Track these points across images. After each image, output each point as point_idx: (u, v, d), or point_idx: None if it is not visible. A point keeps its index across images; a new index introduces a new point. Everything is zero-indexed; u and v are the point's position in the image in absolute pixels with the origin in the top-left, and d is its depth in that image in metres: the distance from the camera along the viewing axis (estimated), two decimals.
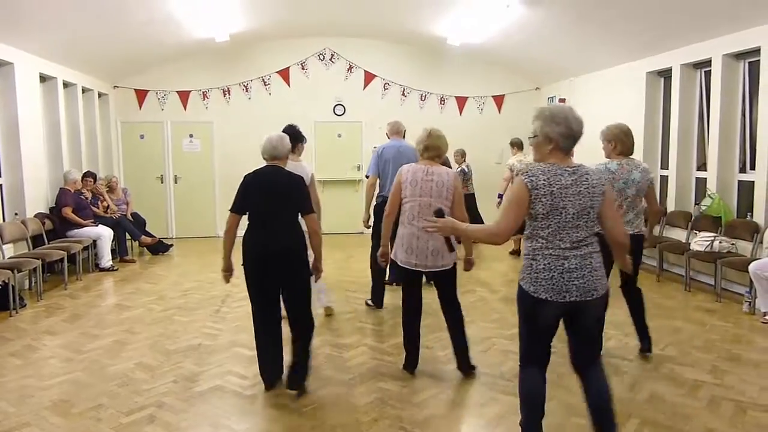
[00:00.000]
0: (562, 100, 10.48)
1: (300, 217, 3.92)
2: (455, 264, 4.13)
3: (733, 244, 6.36)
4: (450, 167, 7.09)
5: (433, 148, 4.18)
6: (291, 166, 5.22)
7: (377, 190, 5.93)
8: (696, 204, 7.36)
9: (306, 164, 5.22)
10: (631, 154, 4.61)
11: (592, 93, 9.59)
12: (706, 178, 7.19)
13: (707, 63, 7.08)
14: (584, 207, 2.72)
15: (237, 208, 3.85)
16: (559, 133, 2.77)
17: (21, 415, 3.65)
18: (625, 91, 8.64)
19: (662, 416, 3.56)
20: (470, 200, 9.18)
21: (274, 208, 3.84)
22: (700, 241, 6.54)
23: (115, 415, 3.65)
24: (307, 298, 4.01)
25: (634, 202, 4.47)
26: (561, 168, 2.75)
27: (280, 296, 3.92)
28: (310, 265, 3.99)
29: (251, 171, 3.94)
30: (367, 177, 6.18)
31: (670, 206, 7.71)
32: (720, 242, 6.37)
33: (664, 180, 8.10)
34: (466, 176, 9.16)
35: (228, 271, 3.98)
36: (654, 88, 8.22)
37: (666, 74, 7.96)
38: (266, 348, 4.00)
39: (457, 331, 4.22)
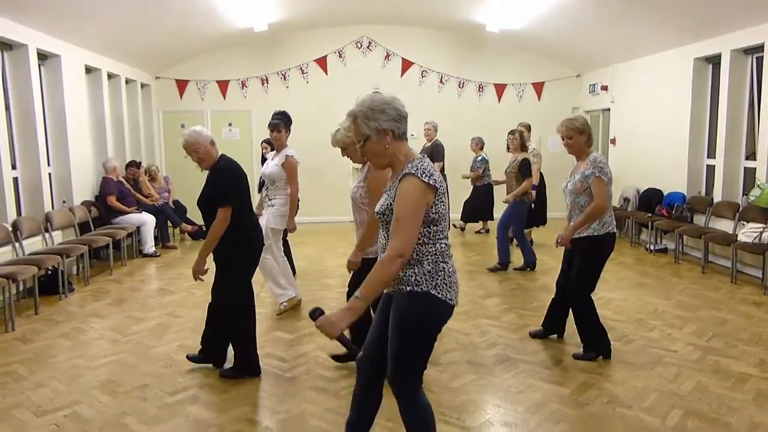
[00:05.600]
0: (604, 88, 10.26)
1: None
2: None
3: None
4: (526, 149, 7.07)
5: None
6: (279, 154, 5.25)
7: None
8: (744, 194, 7.13)
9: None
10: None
11: (636, 80, 9.36)
12: (755, 168, 6.95)
13: (759, 48, 6.82)
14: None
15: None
16: (392, 119, 2.41)
17: (72, 394, 3.79)
18: (671, 78, 8.39)
19: (707, 408, 3.48)
20: (488, 191, 9.13)
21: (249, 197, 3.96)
22: (747, 233, 6.33)
23: (159, 395, 3.75)
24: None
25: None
26: (428, 161, 2.46)
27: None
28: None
29: (229, 158, 3.90)
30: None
31: (717, 196, 7.49)
32: None
33: (711, 169, 7.87)
34: (487, 165, 9.14)
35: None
36: (702, 75, 7.96)
37: (715, 60, 7.69)
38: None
39: None
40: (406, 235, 2.29)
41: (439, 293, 2.38)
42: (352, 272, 3.88)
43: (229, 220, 3.71)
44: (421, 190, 2.32)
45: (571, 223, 4.14)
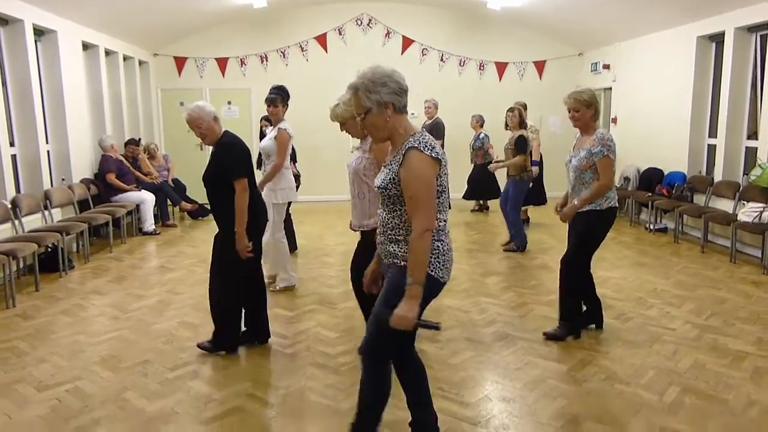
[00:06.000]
0: (606, 67, 10.18)
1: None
2: None
3: None
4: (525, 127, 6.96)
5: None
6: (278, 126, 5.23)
7: None
8: (745, 174, 7.11)
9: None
10: None
11: (639, 59, 9.28)
12: (756, 148, 6.93)
13: (764, 26, 6.75)
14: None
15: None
16: (393, 92, 2.39)
17: (73, 369, 3.81)
18: (674, 56, 8.32)
19: (704, 385, 3.50)
20: (486, 169, 9.09)
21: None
22: (748, 212, 6.33)
23: (160, 371, 3.78)
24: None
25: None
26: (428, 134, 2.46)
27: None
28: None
29: (232, 133, 3.94)
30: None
31: (717, 176, 7.47)
32: None
33: (712, 149, 7.84)
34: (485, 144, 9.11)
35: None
36: (704, 54, 7.88)
37: (718, 39, 7.61)
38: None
39: None
40: (426, 210, 2.32)
41: (431, 271, 2.40)
42: (354, 252, 3.86)
43: (249, 190, 3.73)
44: (428, 164, 2.33)
45: (575, 202, 4.09)
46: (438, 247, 2.42)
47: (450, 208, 8.52)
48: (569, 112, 4.10)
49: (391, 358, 2.58)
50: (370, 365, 2.57)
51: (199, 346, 4.03)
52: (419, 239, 2.31)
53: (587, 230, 4.09)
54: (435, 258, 2.40)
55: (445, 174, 2.42)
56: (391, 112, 2.39)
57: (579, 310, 4.29)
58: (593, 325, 4.41)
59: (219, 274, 3.94)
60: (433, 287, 2.43)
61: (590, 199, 4.01)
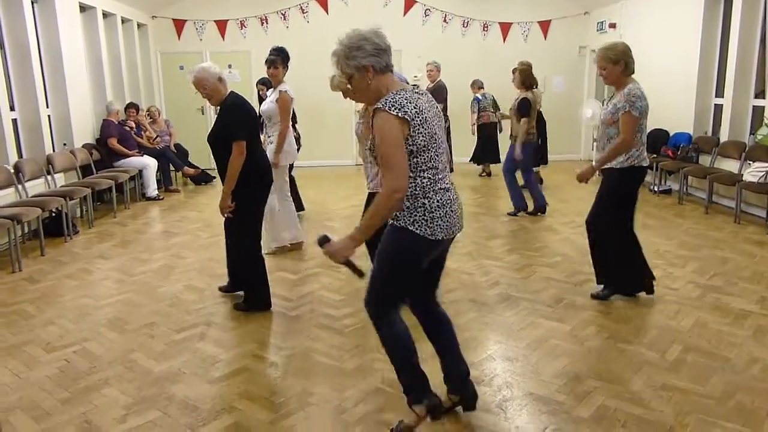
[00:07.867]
0: (612, 26, 9.98)
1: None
2: None
3: None
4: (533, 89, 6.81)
5: None
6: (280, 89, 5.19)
7: None
8: (751, 134, 7.03)
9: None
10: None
11: (646, 16, 9.09)
12: (763, 107, 6.83)
13: None
14: (442, 130, 2.50)
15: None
16: (370, 54, 2.36)
17: (81, 331, 3.86)
18: (682, 14, 8.14)
19: (706, 343, 3.53)
20: (490, 129, 9.14)
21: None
22: (753, 172, 6.27)
23: (167, 332, 3.82)
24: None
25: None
26: (410, 92, 2.41)
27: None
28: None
29: (236, 94, 3.94)
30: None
31: (723, 136, 7.39)
32: None
33: (718, 108, 7.73)
34: (480, 105, 9.08)
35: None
36: (713, 10, 7.71)
37: None
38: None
39: None
40: (394, 170, 2.29)
41: (417, 229, 2.40)
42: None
43: (245, 154, 3.76)
44: (392, 123, 2.29)
45: (593, 163, 3.98)
46: (423, 204, 2.39)
47: (452, 171, 8.55)
48: (598, 69, 4.00)
49: (389, 311, 2.56)
50: (378, 328, 2.59)
51: (235, 307, 4.15)
52: (386, 198, 2.30)
53: (607, 188, 4.00)
54: (420, 215, 2.39)
55: (420, 134, 2.33)
56: (372, 75, 2.38)
57: (619, 271, 4.15)
58: (644, 292, 4.22)
59: (233, 235, 4.02)
60: (420, 245, 2.42)
61: (608, 158, 3.89)
